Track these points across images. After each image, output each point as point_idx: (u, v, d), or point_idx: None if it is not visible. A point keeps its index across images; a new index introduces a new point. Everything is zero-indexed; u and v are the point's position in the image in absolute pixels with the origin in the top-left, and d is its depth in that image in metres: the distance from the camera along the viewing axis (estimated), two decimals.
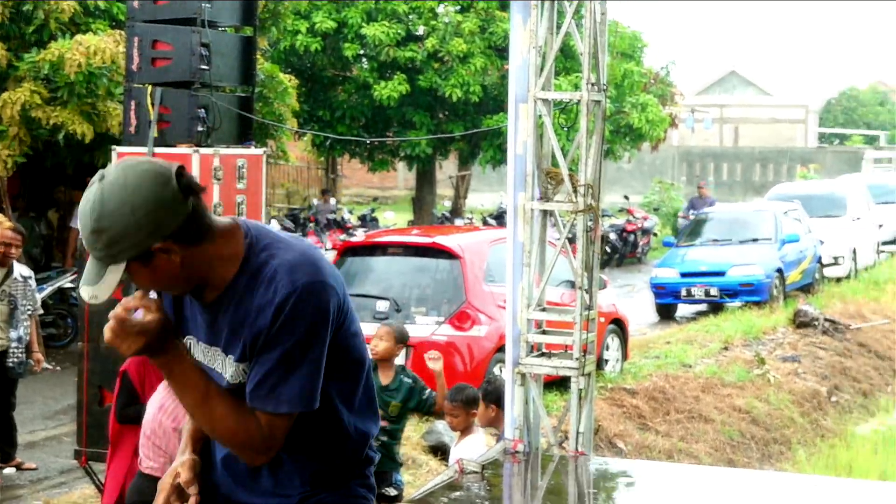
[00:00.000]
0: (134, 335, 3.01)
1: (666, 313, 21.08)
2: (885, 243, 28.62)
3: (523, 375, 7.98)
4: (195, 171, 10.71)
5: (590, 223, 8.02)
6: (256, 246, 3.10)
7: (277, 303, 3.01)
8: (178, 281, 3.06)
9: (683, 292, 20.71)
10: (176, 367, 3.11)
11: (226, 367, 3.16)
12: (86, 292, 2.99)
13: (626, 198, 32.23)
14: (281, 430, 3.10)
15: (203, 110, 10.47)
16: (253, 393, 3.09)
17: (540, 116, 8.03)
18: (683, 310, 21.51)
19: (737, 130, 59.06)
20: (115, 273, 2.95)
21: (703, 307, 21.35)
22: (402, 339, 7.86)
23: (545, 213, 8.14)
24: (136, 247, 2.92)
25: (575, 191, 7.94)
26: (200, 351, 3.22)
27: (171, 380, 3.14)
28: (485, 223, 27.24)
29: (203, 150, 10.20)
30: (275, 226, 23.72)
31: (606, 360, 14.13)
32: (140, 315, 3.03)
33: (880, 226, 27.95)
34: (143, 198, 2.89)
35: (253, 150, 10.87)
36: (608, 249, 27.31)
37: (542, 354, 8.19)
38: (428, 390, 7.78)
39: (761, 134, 57.25)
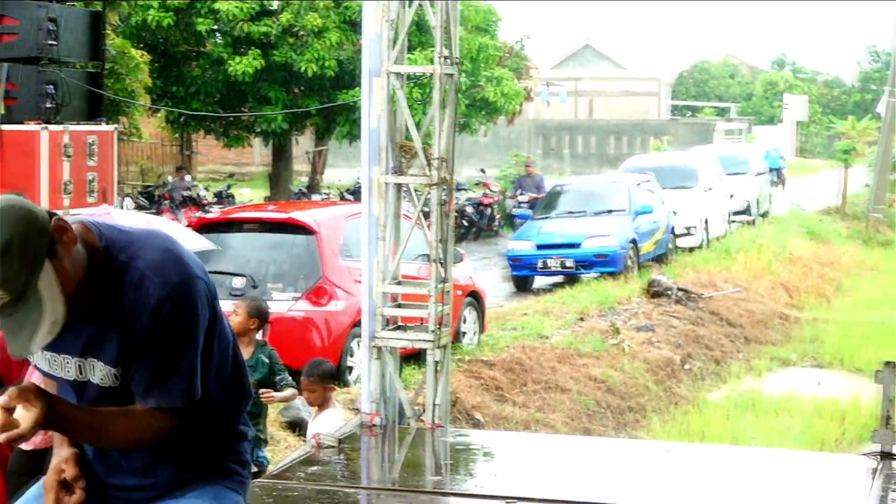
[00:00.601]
0: (28, 433, 2.99)
1: (522, 285, 21.28)
2: (735, 213, 29.26)
3: (379, 349, 8.01)
4: (44, 149, 10.53)
5: (444, 196, 8.07)
6: (113, 248, 3.08)
7: (153, 306, 3.03)
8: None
9: (539, 264, 20.93)
10: (72, 427, 3.12)
11: (93, 372, 3.16)
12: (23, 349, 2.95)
13: (483, 171, 32.40)
14: (175, 421, 3.16)
15: (52, 86, 10.30)
16: (146, 392, 3.14)
17: (393, 90, 8.05)
18: (540, 282, 21.74)
19: (591, 103, 59.81)
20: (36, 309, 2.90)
21: (559, 279, 21.60)
22: (257, 314, 7.80)
23: (399, 186, 8.17)
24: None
25: (429, 164, 7.98)
26: (45, 360, 3.21)
27: (71, 435, 3.19)
28: (342, 198, 27.19)
29: (52, 127, 10.05)
30: (129, 204, 23.38)
31: (464, 333, 14.24)
32: (20, 412, 2.98)
33: (731, 196, 28.56)
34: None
35: (104, 127, 10.73)
36: (465, 223, 27.42)
37: (399, 328, 8.23)
38: (282, 375, 7.71)
39: (615, 107, 58.08)
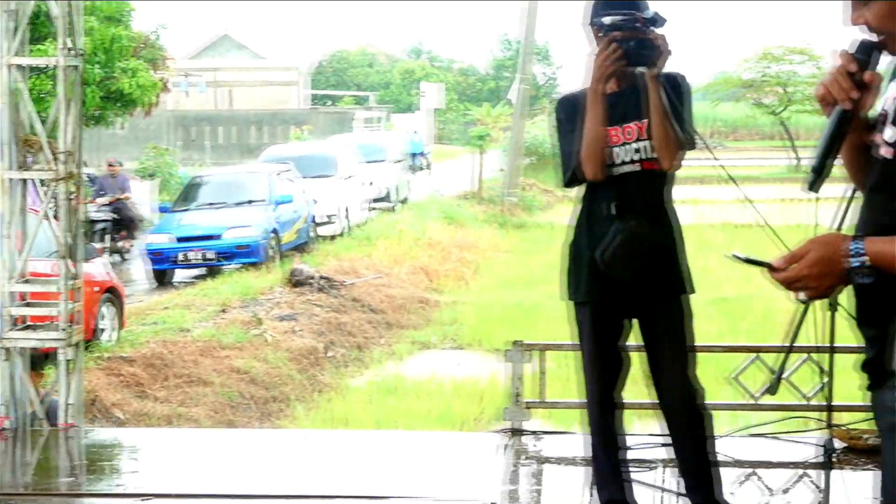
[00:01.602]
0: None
1: (163, 279, 21.00)
2: (375, 200, 29.77)
3: (8, 350, 7.76)
4: None
5: (72, 191, 7.89)
6: None
7: None
8: None
9: (180, 257, 20.73)
10: None
11: None
12: None
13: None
14: None
15: None
16: None
17: (15, 83, 7.80)
18: (181, 274, 21.51)
19: (231, 94, 59.41)
20: None
21: (200, 271, 21.43)
22: None
23: (24, 181, 7.93)
24: None
25: (55, 158, 7.78)
26: None
27: None
28: None
29: None
30: None
31: (102, 330, 13.95)
32: None
33: (371, 183, 29.04)
34: None
35: None
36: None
37: (28, 327, 7.99)
38: None
39: (255, 97, 57.91)
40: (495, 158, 39.57)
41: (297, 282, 18.72)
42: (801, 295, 3.03)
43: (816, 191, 3.12)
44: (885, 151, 3.03)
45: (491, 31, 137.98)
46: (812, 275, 2.95)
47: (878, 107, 3.15)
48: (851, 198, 3.89)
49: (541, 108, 50.62)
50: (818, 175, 3.08)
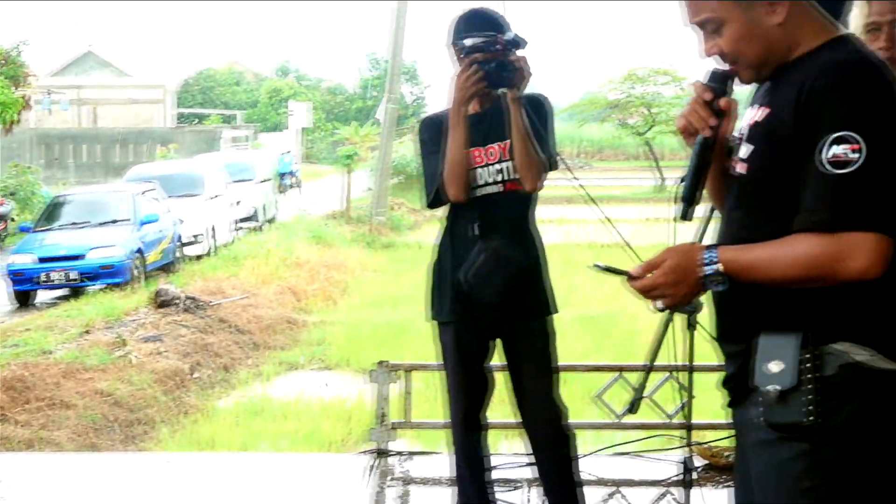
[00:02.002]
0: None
1: (25, 300, 20.60)
2: (241, 220, 29.56)
3: None
4: None
5: None
6: None
7: None
8: None
9: (42, 277, 20.36)
10: None
11: None
12: None
13: None
14: None
15: None
16: None
17: None
18: (44, 296, 21.11)
19: (95, 111, 58.59)
20: None
21: (63, 292, 21.06)
22: None
23: None
24: None
25: None
26: None
27: None
28: None
29: None
30: None
31: None
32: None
33: (237, 203, 28.82)
34: None
35: None
36: None
37: None
38: None
39: (120, 115, 57.22)
40: (363, 178, 39.57)
41: (162, 302, 18.47)
42: (658, 303, 3.09)
43: (689, 219, 3.19)
44: (739, 168, 3.10)
45: (359, 50, 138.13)
46: (668, 282, 3.02)
47: (735, 131, 3.23)
48: (710, 217, 3.97)
49: (409, 128, 50.72)
50: (689, 204, 3.16)
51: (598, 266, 3.16)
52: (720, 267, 2.97)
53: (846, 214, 2.81)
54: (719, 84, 3.14)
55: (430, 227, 31.58)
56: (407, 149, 40.89)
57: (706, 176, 3.16)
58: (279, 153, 44.68)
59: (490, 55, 5.04)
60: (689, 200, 3.15)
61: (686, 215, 3.16)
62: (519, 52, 5.11)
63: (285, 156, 45.38)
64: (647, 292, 3.06)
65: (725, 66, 3.14)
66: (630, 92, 48.95)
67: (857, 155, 2.80)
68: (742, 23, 3.04)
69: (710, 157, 3.15)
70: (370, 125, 43.56)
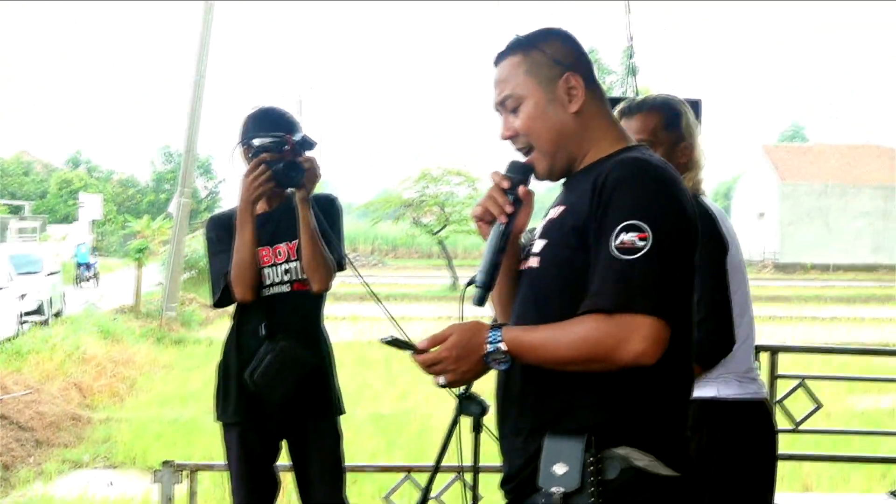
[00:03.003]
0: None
1: None
2: (27, 313, 28.75)
3: None
4: None
5: None
6: None
7: None
8: None
9: None
10: None
11: None
12: None
13: None
14: None
15: None
16: None
17: None
18: None
19: None
20: None
21: None
22: None
23: None
24: None
25: None
26: None
27: None
28: None
29: None
30: None
31: None
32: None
33: (23, 296, 28.05)
34: None
35: None
36: None
37: None
38: None
39: None
40: (155, 272, 38.99)
41: None
42: (441, 379, 3.09)
43: (482, 305, 3.19)
44: (532, 262, 3.15)
45: (153, 142, 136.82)
46: (451, 357, 3.03)
47: (531, 233, 3.28)
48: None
49: (202, 222, 50.24)
50: (484, 290, 3.15)
51: (385, 340, 3.13)
52: (503, 345, 2.99)
53: (627, 298, 2.88)
54: (518, 174, 3.21)
55: (221, 323, 31.29)
56: (199, 243, 40.45)
57: (501, 262, 3.18)
58: (75, 244, 43.79)
59: (279, 155, 5.08)
60: (484, 286, 3.15)
61: (482, 301, 3.17)
62: (309, 153, 5.16)
63: (81, 246, 44.47)
64: (431, 367, 3.07)
65: (523, 159, 3.23)
66: (425, 191, 49.53)
67: (644, 243, 2.89)
68: (540, 102, 3.16)
69: (506, 243, 3.19)
70: (162, 219, 43.06)
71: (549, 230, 3.15)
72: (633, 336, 2.87)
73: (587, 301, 2.94)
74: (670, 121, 4.50)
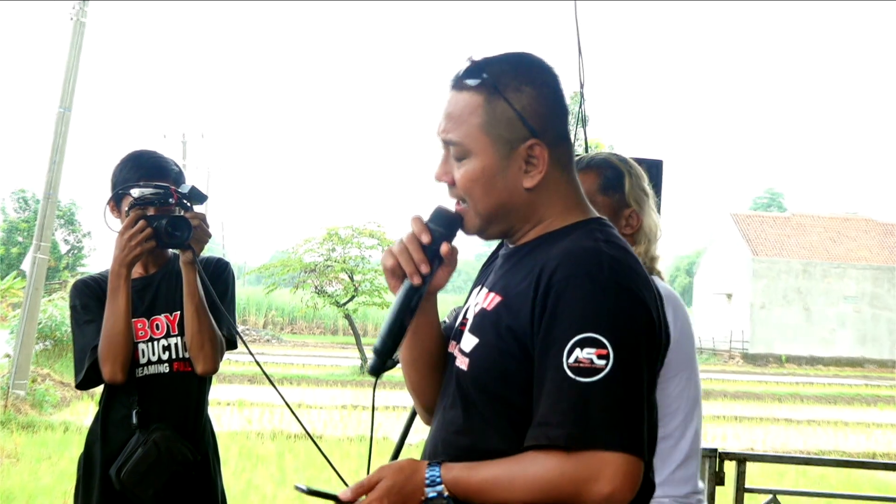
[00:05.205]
0: None
1: None
2: None
3: None
4: None
5: None
6: None
7: None
8: None
9: None
10: None
11: None
12: None
13: None
14: None
15: None
16: None
17: None
18: None
19: None
20: None
21: None
22: None
23: None
24: None
25: None
26: None
27: None
28: None
29: None
30: None
31: None
32: None
33: None
34: None
35: None
36: None
37: None
38: None
39: None
40: (2, 342, 38.56)
41: None
42: None
43: (378, 375, 3.11)
44: (460, 362, 3.08)
45: (4, 185, 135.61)
46: None
47: (461, 315, 3.23)
48: (412, 417, 3.99)
49: (61, 283, 49.92)
50: (382, 358, 3.05)
51: (299, 488, 3.01)
52: (444, 489, 2.92)
53: (589, 432, 2.78)
54: (443, 227, 3.08)
55: (81, 406, 31.02)
56: (57, 308, 40.07)
57: (407, 328, 3.06)
58: None
59: (161, 209, 5.01)
60: (382, 353, 3.04)
61: (377, 370, 3.07)
62: (197, 208, 5.08)
63: None
64: None
65: (452, 209, 3.11)
66: (330, 255, 49.31)
67: (603, 361, 2.79)
68: (488, 168, 3.05)
69: (415, 306, 3.06)
70: (13, 278, 42.68)
71: (480, 325, 3.06)
72: (600, 477, 2.77)
73: (537, 430, 2.85)
74: (609, 183, 4.42)
